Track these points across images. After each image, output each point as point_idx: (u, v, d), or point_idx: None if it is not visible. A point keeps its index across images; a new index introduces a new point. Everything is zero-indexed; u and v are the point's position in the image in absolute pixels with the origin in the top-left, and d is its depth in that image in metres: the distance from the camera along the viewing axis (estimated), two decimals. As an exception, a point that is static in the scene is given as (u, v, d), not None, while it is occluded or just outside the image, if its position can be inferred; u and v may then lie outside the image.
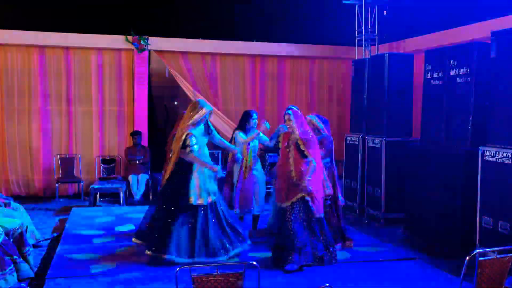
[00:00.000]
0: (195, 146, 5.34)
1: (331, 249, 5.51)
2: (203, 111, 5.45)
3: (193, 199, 5.34)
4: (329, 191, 5.78)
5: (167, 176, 5.48)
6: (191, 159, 5.35)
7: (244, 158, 6.18)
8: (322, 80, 10.77)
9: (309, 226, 5.43)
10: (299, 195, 5.37)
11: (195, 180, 5.38)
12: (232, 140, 6.36)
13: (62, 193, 9.42)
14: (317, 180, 5.46)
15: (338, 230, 6.03)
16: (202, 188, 5.39)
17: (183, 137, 5.35)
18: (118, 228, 7.07)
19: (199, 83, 10.04)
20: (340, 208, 6.10)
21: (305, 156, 5.40)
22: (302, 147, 5.41)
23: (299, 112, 5.66)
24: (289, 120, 5.51)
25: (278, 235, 5.53)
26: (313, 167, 5.37)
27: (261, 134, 6.30)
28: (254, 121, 6.35)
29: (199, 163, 5.38)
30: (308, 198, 5.36)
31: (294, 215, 5.37)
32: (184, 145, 5.34)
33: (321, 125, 6.08)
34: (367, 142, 7.92)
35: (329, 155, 6.06)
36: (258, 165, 6.36)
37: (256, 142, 6.35)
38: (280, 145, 5.71)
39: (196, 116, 5.41)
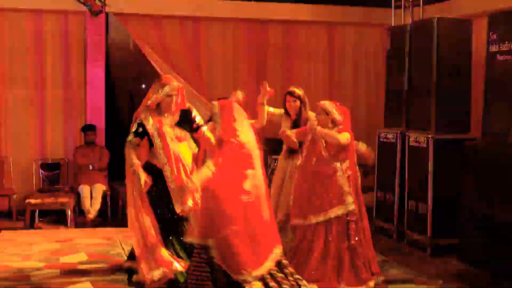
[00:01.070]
0: (130, 136, 5.50)
1: None
2: (165, 89, 5.54)
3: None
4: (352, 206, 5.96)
5: None
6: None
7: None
8: (345, 54, 10.77)
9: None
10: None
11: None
12: None
13: (-14, 211, 9.39)
14: None
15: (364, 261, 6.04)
16: None
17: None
18: (64, 259, 7.01)
19: (176, 59, 10.00)
20: (366, 231, 6.13)
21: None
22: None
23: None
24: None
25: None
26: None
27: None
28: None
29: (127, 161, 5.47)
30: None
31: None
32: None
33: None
34: (408, 140, 7.89)
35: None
36: None
37: None
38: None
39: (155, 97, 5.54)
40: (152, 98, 5.55)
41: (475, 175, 6.74)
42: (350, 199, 5.84)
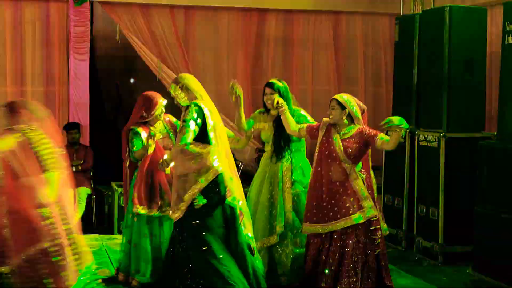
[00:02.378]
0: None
1: None
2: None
3: None
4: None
5: None
6: None
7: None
8: (350, 46, 10.79)
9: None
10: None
11: None
12: None
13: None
14: None
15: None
16: None
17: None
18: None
19: (166, 51, 10.00)
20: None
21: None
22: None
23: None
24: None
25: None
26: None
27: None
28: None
29: None
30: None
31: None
32: None
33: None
34: (418, 139, 7.89)
35: None
36: None
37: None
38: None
39: None
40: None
41: (490, 176, 6.74)
42: (368, 203, 5.77)
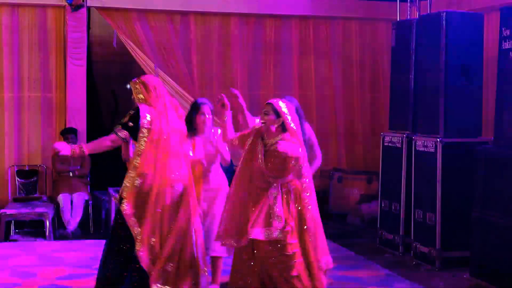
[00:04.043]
0: None
1: None
2: None
3: None
4: None
5: None
6: None
7: None
8: (347, 51, 10.82)
9: None
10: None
11: None
12: None
13: (-42, 222, 9.37)
14: None
15: None
16: None
17: None
18: (42, 274, 7.00)
19: (164, 57, 10.02)
20: None
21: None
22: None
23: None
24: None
25: None
26: None
27: None
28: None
29: None
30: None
31: None
32: None
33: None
34: (415, 144, 7.90)
35: None
36: None
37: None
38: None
39: None
40: None
41: (487, 182, 6.76)
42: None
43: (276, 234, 5.23)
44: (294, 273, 5.25)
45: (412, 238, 7.93)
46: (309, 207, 5.38)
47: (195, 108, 6.30)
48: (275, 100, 5.44)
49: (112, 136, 5.48)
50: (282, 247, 5.25)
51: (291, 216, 5.29)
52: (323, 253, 5.44)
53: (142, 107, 5.53)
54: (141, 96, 5.63)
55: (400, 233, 8.16)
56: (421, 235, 7.78)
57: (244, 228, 5.30)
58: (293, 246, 5.26)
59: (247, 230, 5.24)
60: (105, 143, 5.52)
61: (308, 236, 5.34)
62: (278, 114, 5.35)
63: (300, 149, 5.31)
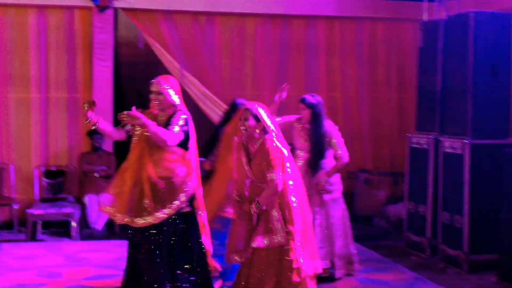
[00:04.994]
0: None
1: None
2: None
3: None
4: None
5: None
6: None
7: None
8: (374, 52, 10.80)
9: None
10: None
11: None
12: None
13: (-14, 222, 9.48)
14: None
15: None
16: None
17: None
18: (68, 274, 7.05)
19: (189, 58, 10.04)
20: None
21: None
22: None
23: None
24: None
25: None
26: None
27: None
28: None
29: None
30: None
31: None
32: None
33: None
34: (442, 145, 7.87)
35: None
36: None
37: None
38: None
39: None
40: None
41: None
42: None
43: (276, 240, 5.24)
44: (295, 278, 5.22)
45: (439, 240, 7.91)
46: (293, 209, 5.32)
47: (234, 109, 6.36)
48: (252, 105, 5.40)
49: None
50: (284, 252, 5.25)
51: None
52: (309, 257, 5.39)
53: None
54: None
55: (427, 236, 8.13)
56: (449, 238, 7.74)
57: (246, 243, 5.37)
58: (294, 251, 5.26)
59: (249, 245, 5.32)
60: None
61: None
62: (257, 118, 5.32)
63: (283, 149, 5.31)
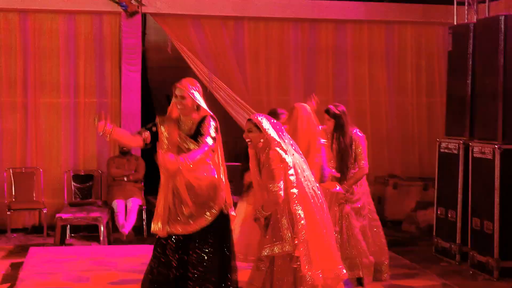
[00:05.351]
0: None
1: None
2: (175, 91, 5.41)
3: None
4: None
5: None
6: None
7: None
8: (403, 56, 10.75)
9: None
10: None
11: None
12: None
13: (16, 225, 9.55)
14: None
15: None
16: None
17: None
18: (95, 278, 7.06)
19: (218, 62, 10.05)
20: None
21: None
22: None
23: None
24: None
25: None
26: None
27: None
28: None
29: None
30: None
31: None
32: None
33: None
34: (472, 151, 7.80)
35: None
36: None
37: None
38: None
39: None
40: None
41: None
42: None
43: (286, 248, 5.20)
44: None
45: (469, 246, 7.82)
46: (297, 219, 5.23)
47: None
48: (254, 116, 5.35)
49: None
50: (292, 259, 5.22)
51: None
52: (319, 266, 5.29)
53: None
54: None
55: (457, 242, 8.06)
56: (479, 244, 7.66)
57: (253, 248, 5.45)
58: (296, 259, 5.22)
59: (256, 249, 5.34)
60: None
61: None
62: (259, 129, 5.24)
63: (289, 158, 5.23)
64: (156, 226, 5.38)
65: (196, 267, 5.34)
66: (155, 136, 5.39)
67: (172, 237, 5.38)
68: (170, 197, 5.37)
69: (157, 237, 5.47)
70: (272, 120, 5.36)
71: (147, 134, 5.36)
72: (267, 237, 5.25)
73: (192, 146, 5.31)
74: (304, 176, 5.37)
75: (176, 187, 5.35)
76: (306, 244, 5.23)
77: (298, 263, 5.17)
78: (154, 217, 5.41)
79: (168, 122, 5.37)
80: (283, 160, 5.18)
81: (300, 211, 5.22)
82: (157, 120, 5.43)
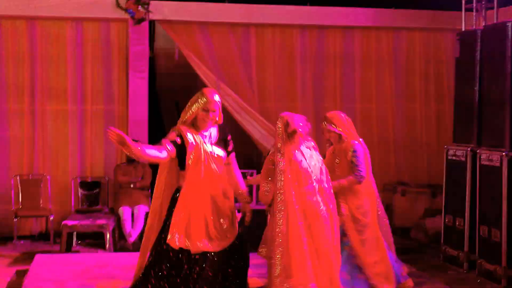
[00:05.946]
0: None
1: None
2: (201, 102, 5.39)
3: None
4: None
5: None
6: None
7: None
8: (410, 62, 10.72)
9: None
10: None
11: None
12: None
13: (22, 232, 9.56)
14: None
15: None
16: None
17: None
18: (100, 285, 7.06)
19: (225, 69, 10.05)
20: None
21: None
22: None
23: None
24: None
25: None
26: None
27: None
28: None
29: None
30: None
31: None
32: None
33: None
34: (480, 158, 7.78)
35: None
36: None
37: None
38: None
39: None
40: (189, 112, 5.46)
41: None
42: None
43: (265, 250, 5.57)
44: None
45: (477, 255, 7.80)
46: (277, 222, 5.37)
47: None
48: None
49: None
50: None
51: None
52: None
53: None
54: None
55: (465, 250, 8.03)
56: (486, 252, 7.63)
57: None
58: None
59: None
60: None
61: None
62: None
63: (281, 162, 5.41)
64: (186, 242, 5.22)
65: (234, 280, 5.37)
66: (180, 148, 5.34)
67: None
68: (209, 209, 5.30)
69: (163, 248, 5.31)
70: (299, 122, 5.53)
71: (171, 147, 5.32)
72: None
73: (221, 153, 5.41)
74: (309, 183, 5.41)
75: (213, 198, 5.32)
76: (283, 250, 5.26)
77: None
78: (177, 230, 5.23)
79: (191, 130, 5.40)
80: (274, 163, 5.40)
81: (280, 214, 5.29)
82: (181, 129, 5.39)
